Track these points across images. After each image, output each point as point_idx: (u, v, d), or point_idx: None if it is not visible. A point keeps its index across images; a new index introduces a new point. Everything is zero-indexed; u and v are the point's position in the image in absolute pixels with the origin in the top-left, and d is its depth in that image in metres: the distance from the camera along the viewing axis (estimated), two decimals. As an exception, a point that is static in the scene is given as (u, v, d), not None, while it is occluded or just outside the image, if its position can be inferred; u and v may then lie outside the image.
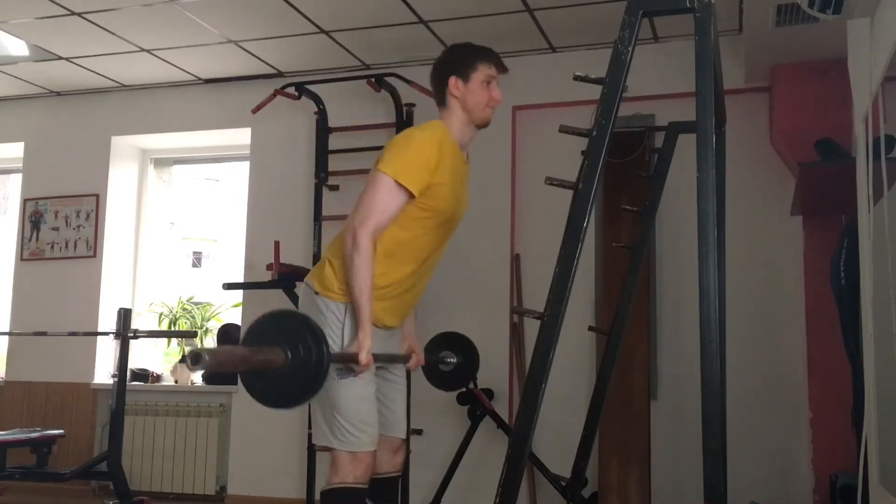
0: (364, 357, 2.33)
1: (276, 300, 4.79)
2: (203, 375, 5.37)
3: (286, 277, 4.45)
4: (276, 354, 1.99)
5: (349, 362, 2.34)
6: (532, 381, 2.14)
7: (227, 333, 5.40)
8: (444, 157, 2.48)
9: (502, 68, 2.64)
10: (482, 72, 2.57)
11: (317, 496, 4.48)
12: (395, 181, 2.41)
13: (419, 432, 4.48)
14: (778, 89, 4.10)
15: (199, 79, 5.33)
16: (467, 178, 2.68)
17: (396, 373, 2.71)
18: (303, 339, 2.04)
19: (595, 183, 2.15)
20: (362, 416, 2.45)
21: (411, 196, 2.43)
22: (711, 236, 1.98)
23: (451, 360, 3.06)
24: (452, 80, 2.57)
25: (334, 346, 2.43)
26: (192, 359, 1.67)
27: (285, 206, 5.09)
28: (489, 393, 4.34)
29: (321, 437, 2.49)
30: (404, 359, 2.71)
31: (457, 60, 2.62)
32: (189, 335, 5.32)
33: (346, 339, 2.44)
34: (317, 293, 2.50)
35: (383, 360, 2.57)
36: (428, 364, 2.95)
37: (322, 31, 4.48)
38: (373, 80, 4.66)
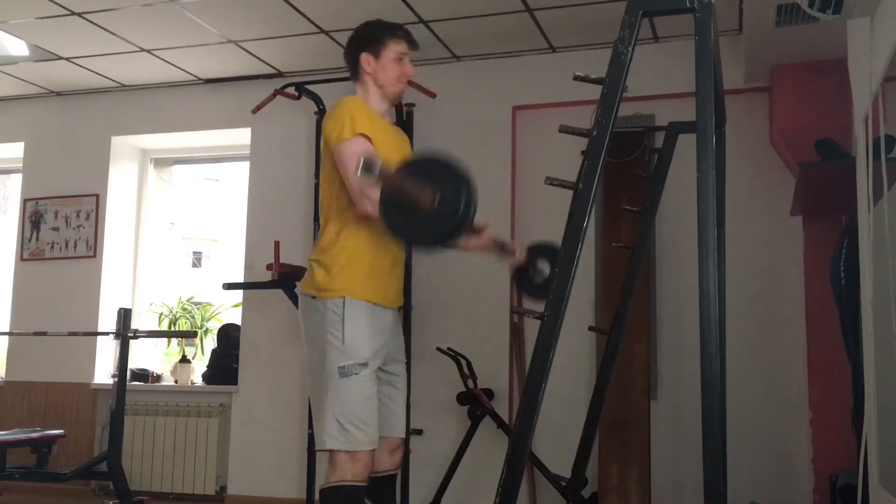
0: (481, 220, 2.41)
1: (276, 300, 4.80)
2: (203, 375, 5.37)
3: (286, 277, 4.45)
4: (427, 193, 2.02)
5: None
6: (532, 381, 2.14)
7: (227, 333, 5.41)
8: (370, 117, 2.59)
9: (413, 45, 2.74)
10: (392, 48, 2.67)
11: (317, 496, 4.51)
12: (353, 137, 2.48)
13: (419, 432, 4.48)
14: (778, 89, 4.10)
15: (199, 79, 5.33)
16: (406, 140, 2.84)
17: (397, 372, 2.72)
18: (455, 185, 2.06)
19: (595, 183, 2.15)
20: (362, 415, 2.45)
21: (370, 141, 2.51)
22: (711, 236, 1.99)
23: (546, 271, 2.90)
24: (364, 56, 2.67)
25: (336, 342, 2.45)
26: (366, 165, 1.86)
27: (285, 206, 5.09)
28: (489, 393, 4.34)
29: (321, 440, 2.48)
30: (509, 250, 2.78)
31: (368, 37, 2.71)
32: (189, 335, 5.31)
33: (348, 332, 2.45)
34: (313, 297, 2.52)
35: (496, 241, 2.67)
36: (520, 269, 2.90)
37: (322, 31, 4.48)
38: (373, 80, 4.66)
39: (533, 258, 2.89)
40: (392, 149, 2.60)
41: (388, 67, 2.66)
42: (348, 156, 2.45)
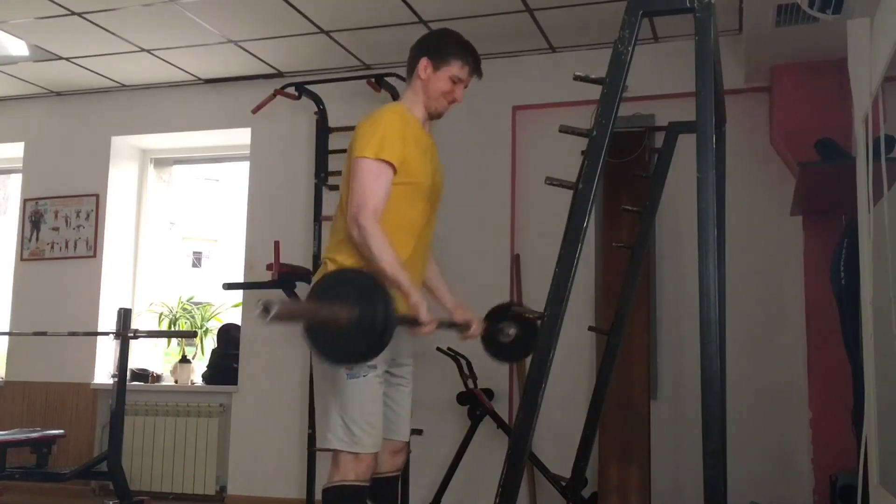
0: (425, 315, 2.35)
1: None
2: (203, 375, 5.37)
3: (286, 277, 4.44)
4: (343, 311, 2.01)
5: (413, 324, 2.34)
6: (532, 381, 2.14)
7: (227, 333, 5.41)
8: (408, 129, 2.53)
9: (477, 72, 2.67)
10: (453, 67, 2.61)
11: (317, 496, 4.50)
12: (377, 159, 2.44)
13: (419, 432, 4.46)
14: (778, 89, 4.10)
15: (199, 79, 5.33)
16: (436, 151, 2.73)
17: (404, 374, 2.71)
18: (370, 299, 2.04)
19: (595, 183, 2.16)
20: (368, 418, 2.44)
21: (394, 170, 2.46)
22: (711, 236, 1.99)
23: (511, 331, 2.89)
24: (423, 62, 2.61)
25: None
26: (264, 308, 1.70)
27: (285, 206, 5.09)
28: (489, 393, 4.34)
29: (324, 437, 2.47)
30: (465, 327, 2.70)
31: (437, 45, 2.65)
32: (189, 335, 5.32)
33: None
34: None
35: (445, 325, 2.57)
36: (487, 334, 2.87)
37: (322, 31, 4.48)
38: (373, 80, 4.66)
39: (495, 324, 2.87)
40: (423, 164, 2.57)
41: (440, 82, 2.59)
42: (362, 173, 2.43)
